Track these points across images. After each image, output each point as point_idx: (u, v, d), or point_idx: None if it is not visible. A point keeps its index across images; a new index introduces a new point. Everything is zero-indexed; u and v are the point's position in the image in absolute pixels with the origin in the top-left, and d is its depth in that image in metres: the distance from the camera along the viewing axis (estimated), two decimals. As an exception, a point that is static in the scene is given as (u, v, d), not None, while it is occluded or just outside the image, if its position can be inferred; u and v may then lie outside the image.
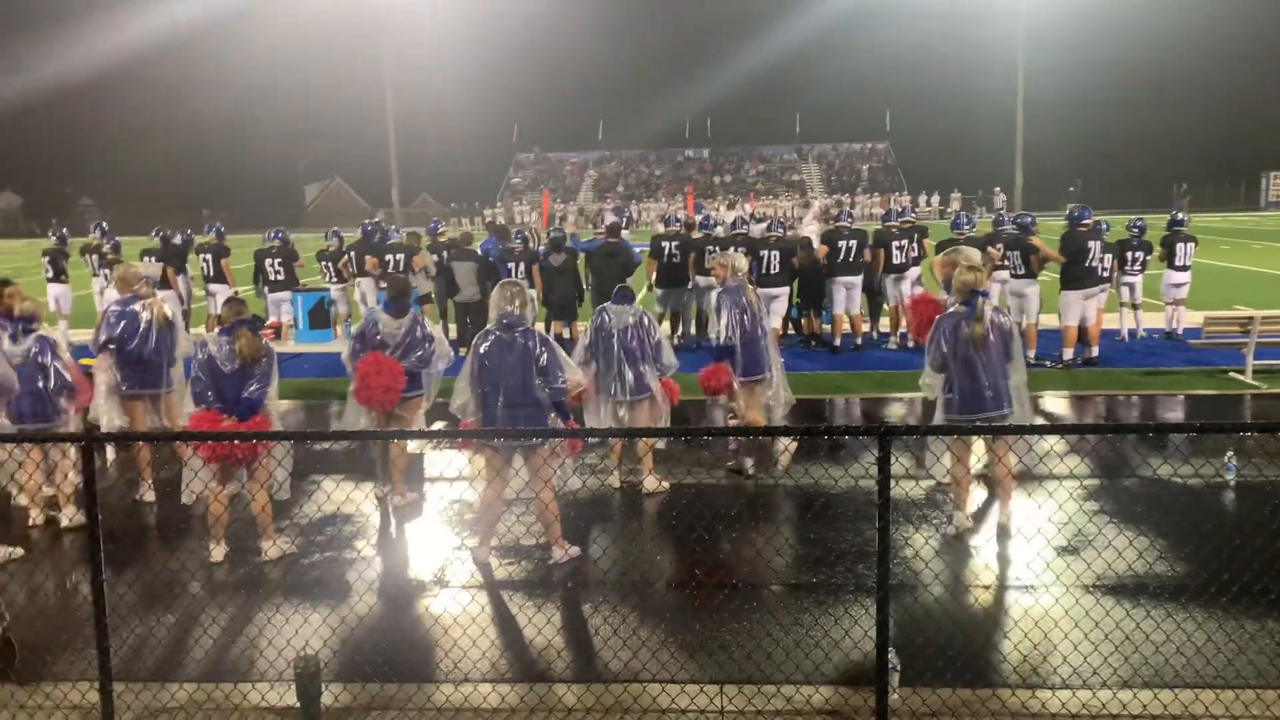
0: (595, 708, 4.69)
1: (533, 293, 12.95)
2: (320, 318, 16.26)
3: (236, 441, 6.25)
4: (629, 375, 7.78)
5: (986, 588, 6.21)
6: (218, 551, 6.69)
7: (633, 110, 78.04)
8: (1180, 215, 14.97)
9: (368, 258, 15.24)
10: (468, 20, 59.76)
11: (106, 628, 4.56)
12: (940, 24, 66.49)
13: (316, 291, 16.38)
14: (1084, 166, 69.35)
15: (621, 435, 7.25)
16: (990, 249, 12.35)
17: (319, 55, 67.92)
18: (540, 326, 8.65)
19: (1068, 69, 64.81)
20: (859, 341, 14.39)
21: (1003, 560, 6.62)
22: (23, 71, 65.05)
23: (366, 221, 17.39)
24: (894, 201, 54.56)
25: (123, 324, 7.84)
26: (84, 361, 7.93)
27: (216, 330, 6.78)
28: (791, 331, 15.14)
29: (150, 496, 8.01)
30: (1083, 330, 12.66)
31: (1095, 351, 12.76)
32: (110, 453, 9.36)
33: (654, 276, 14.85)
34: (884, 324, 15.23)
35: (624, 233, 15.68)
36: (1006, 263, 12.93)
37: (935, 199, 61.78)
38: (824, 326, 14.66)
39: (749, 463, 8.42)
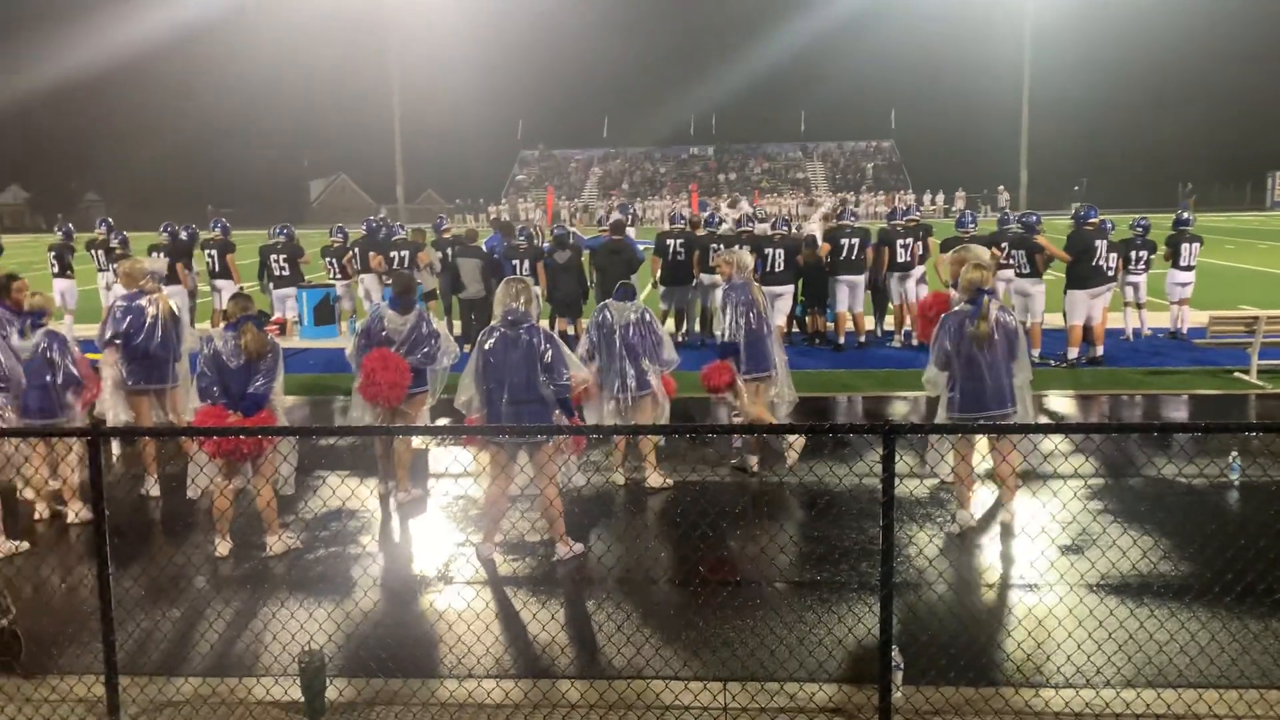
0: (599, 704, 4.69)
1: (537, 290, 12.95)
2: (325, 313, 16.29)
3: (242, 437, 6.27)
4: (631, 372, 7.79)
5: (990, 586, 6.22)
6: (223, 546, 6.71)
7: (638, 107, 78.09)
8: (1185, 215, 14.95)
9: (372, 254, 15.26)
10: (473, 17, 59.77)
11: (112, 621, 4.58)
12: (946, 23, 66.44)
13: (322, 287, 16.42)
14: (1089, 165, 69.22)
15: (626, 432, 7.26)
16: (993, 249, 12.34)
17: (325, 52, 68.00)
18: (544, 324, 8.65)
19: (1073, 68, 64.69)
20: (862, 339, 14.39)
21: (1006, 559, 6.62)
22: (29, 67, 65.18)
23: (371, 218, 17.40)
24: (899, 200, 54.50)
25: (129, 319, 7.86)
26: (90, 357, 7.95)
27: (222, 326, 6.79)
28: (796, 329, 15.14)
29: (156, 491, 8.03)
30: (1088, 329, 12.66)
31: (1100, 351, 12.75)
32: (116, 448, 9.38)
33: (659, 274, 14.86)
34: (888, 322, 15.23)
35: (629, 230, 15.68)
36: (1011, 261, 12.92)
37: (940, 197, 61.75)
38: (828, 324, 14.66)
39: (753, 460, 8.43)
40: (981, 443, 7.45)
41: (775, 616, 5.65)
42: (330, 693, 4.78)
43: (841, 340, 14.16)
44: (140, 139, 73.55)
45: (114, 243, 16.02)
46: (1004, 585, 6.23)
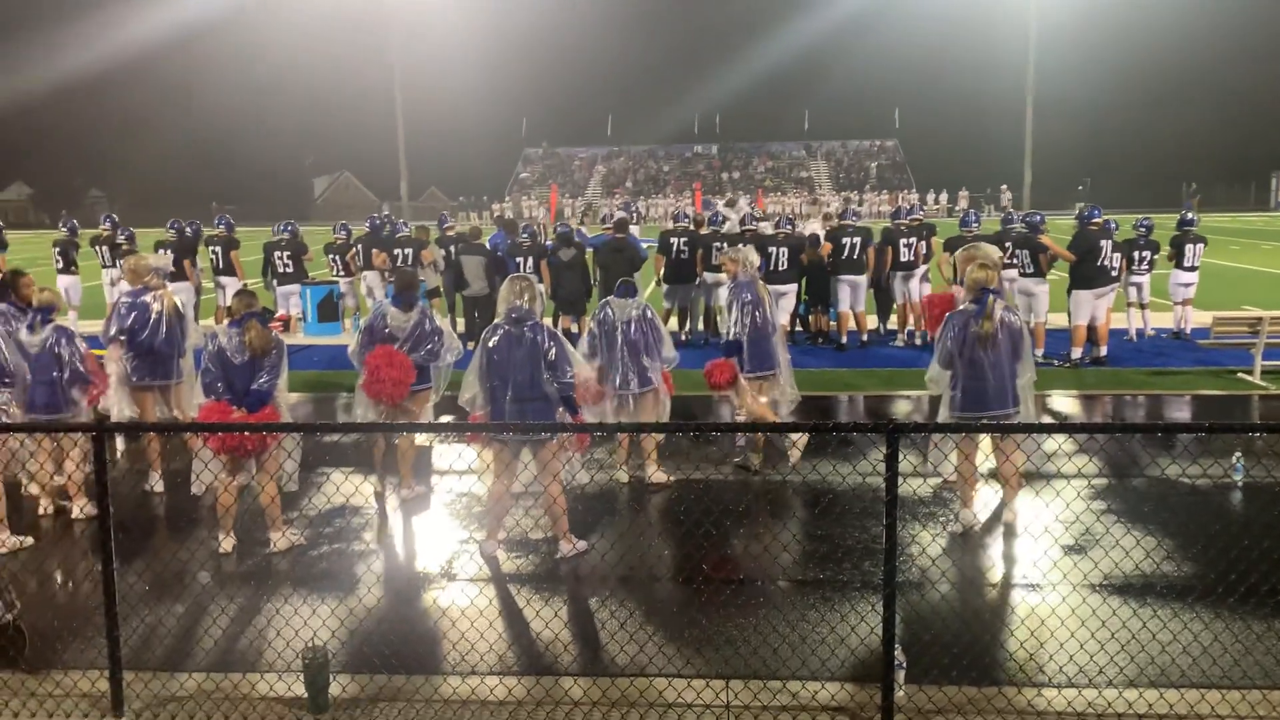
0: (601, 701, 4.70)
1: (541, 288, 12.95)
2: (329, 310, 16.32)
3: (246, 433, 6.28)
4: (633, 369, 7.80)
5: (993, 586, 6.22)
6: (227, 542, 6.72)
7: (642, 106, 78.11)
8: (1190, 215, 14.93)
9: (375, 251, 15.28)
10: (477, 14, 59.81)
11: (116, 617, 4.59)
12: (950, 22, 66.39)
13: (326, 284, 16.44)
14: (1092, 165, 69.19)
15: (630, 430, 7.26)
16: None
17: (328, 49, 68.04)
18: (548, 321, 8.66)
19: (1077, 67, 64.59)
20: (864, 338, 14.38)
21: (1009, 558, 6.63)
22: (33, 64, 65.22)
23: (375, 215, 17.41)
24: (902, 199, 54.48)
25: (133, 315, 7.87)
26: (95, 353, 7.97)
27: (227, 322, 6.80)
28: (799, 328, 15.14)
29: (160, 487, 8.05)
30: (1091, 329, 12.65)
31: (1104, 351, 12.74)
32: (120, 443, 9.40)
33: (662, 272, 14.87)
34: (892, 321, 15.22)
35: (632, 229, 15.68)
36: (1015, 261, 12.92)
37: (943, 197, 61.73)
38: (831, 324, 14.66)
39: (756, 458, 8.43)
40: (985, 442, 7.45)
41: (778, 615, 5.66)
42: (334, 689, 4.79)
43: (844, 340, 14.16)
44: (144, 136, 73.62)
45: (120, 239, 16.05)
46: (1007, 585, 6.23)
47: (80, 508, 7.41)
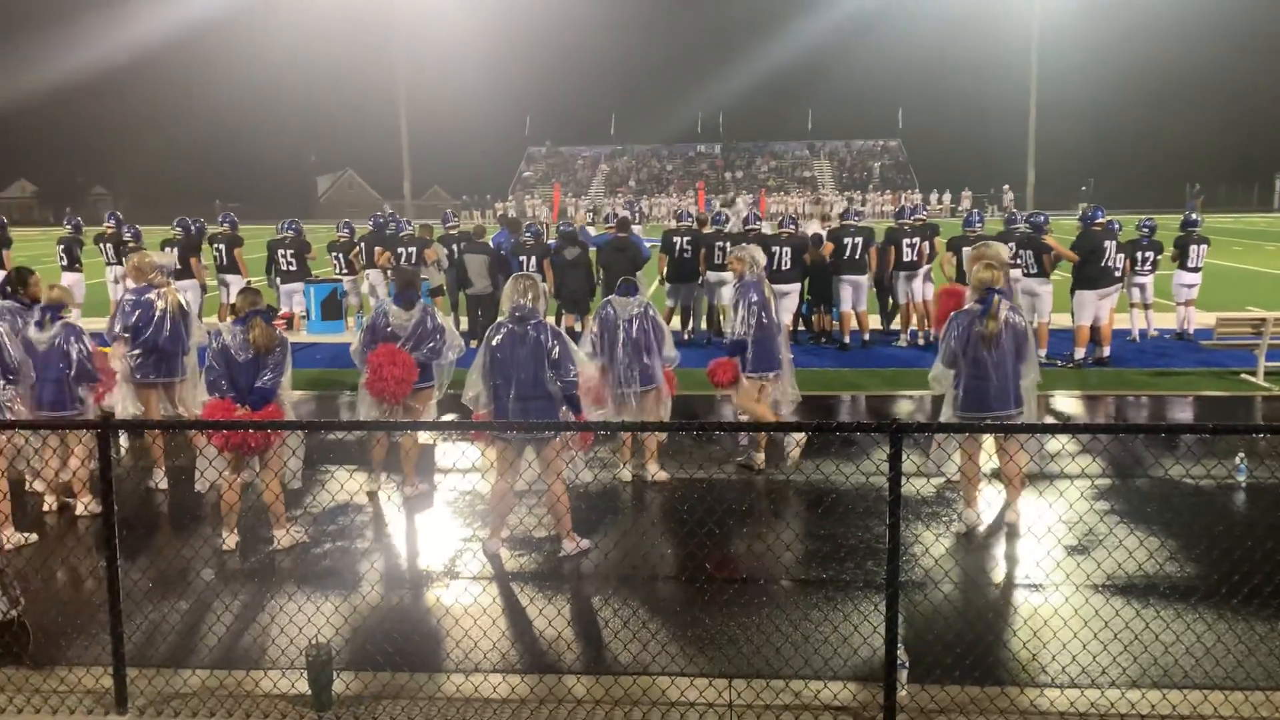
0: (604, 700, 4.71)
1: (545, 286, 12.97)
2: (333, 308, 16.34)
3: (250, 430, 6.28)
4: (635, 367, 7.80)
5: (996, 585, 6.22)
6: (230, 539, 6.73)
7: (645, 105, 78.12)
8: (1194, 216, 14.91)
9: (378, 250, 15.29)
10: (481, 13, 59.79)
11: (120, 614, 4.61)
12: (954, 22, 66.32)
13: (330, 282, 16.45)
14: (1096, 166, 69.10)
15: (634, 429, 7.26)
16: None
17: (332, 47, 68.06)
18: (550, 319, 8.66)
19: (1080, 68, 64.53)
20: (866, 338, 14.38)
21: (1012, 558, 6.63)
22: (36, 62, 65.29)
23: (378, 214, 17.42)
24: (905, 199, 54.43)
25: (137, 313, 7.89)
26: (101, 350, 7.98)
27: (231, 320, 6.81)
28: (802, 328, 15.14)
29: (164, 484, 8.06)
30: (1095, 330, 12.64)
31: (1107, 351, 12.73)
32: (124, 440, 9.42)
33: (665, 271, 14.87)
34: (895, 321, 15.22)
35: (635, 228, 15.68)
36: (1018, 261, 12.90)
37: (947, 197, 61.68)
38: (834, 323, 14.65)
39: (759, 458, 8.43)
40: (988, 442, 7.45)
41: (781, 614, 5.66)
42: (337, 686, 4.80)
43: (846, 340, 14.15)
44: (148, 134, 73.73)
45: (126, 236, 16.06)
46: (1009, 585, 6.23)
47: (84, 504, 7.42)
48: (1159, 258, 14.40)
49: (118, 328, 7.90)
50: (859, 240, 13.93)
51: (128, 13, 60.72)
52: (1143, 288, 14.28)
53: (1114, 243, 12.52)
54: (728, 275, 13.76)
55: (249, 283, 14.67)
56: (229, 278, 15.69)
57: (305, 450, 6.91)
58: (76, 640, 5.40)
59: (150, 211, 48.46)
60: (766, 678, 4.87)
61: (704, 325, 15.30)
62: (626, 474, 8.21)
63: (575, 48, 76.20)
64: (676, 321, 15.08)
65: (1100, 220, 12.65)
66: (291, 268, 15.81)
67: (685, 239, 14.65)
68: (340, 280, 16.34)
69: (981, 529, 6.95)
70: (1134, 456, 8.71)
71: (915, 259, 14.20)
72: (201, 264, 15.42)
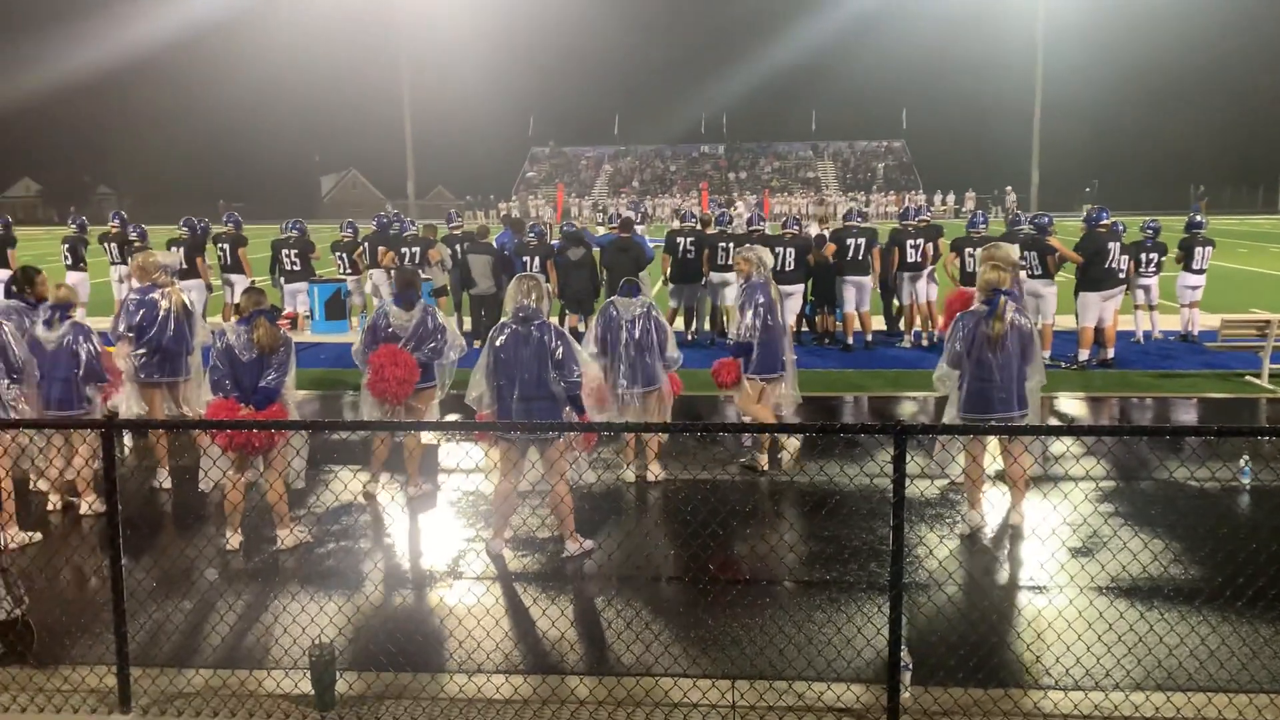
0: (607, 701, 4.70)
1: (548, 286, 12.98)
2: (336, 308, 16.36)
3: (253, 430, 6.29)
4: (639, 367, 7.79)
5: (1000, 587, 6.21)
6: (234, 539, 6.73)
7: (649, 105, 78.13)
8: (1199, 218, 14.89)
9: (382, 249, 15.30)
10: (485, 13, 59.78)
11: (124, 613, 4.61)
12: (957, 23, 66.25)
13: (334, 282, 16.47)
14: (1100, 167, 69.03)
15: (637, 430, 7.25)
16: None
17: (336, 47, 68.12)
18: (554, 320, 8.66)
19: (1085, 69, 64.45)
20: (869, 339, 14.37)
21: (1016, 560, 6.62)
22: (41, 61, 65.43)
23: (382, 214, 17.43)
24: (909, 200, 54.41)
25: (141, 312, 7.91)
26: (106, 350, 7.99)
27: (235, 319, 6.82)
28: (805, 329, 15.13)
29: (167, 484, 8.07)
30: (1099, 331, 12.62)
31: (1111, 353, 12.71)
32: (128, 440, 9.43)
33: (668, 272, 14.87)
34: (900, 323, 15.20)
35: (639, 228, 15.69)
36: (1023, 263, 12.88)
37: (950, 198, 61.63)
38: (837, 324, 14.65)
39: (763, 459, 8.42)
40: (992, 444, 7.44)
41: (784, 615, 5.66)
42: (340, 686, 4.80)
43: (850, 341, 14.15)
44: (153, 133, 73.83)
45: (133, 235, 16.09)
46: (1013, 587, 6.23)
47: (88, 504, 7.43)
48: (1164, 259, 14.38)
49: (122, 327, 7.92)
50: (862, 241, 13.91)
51: (132, 12, 60.83)
52: (1148, 289, 14.26)
53: (1118, 244, 12.50)
54: (731, 276, 13.80)
55: (253, 282, 14.69)
56: (233, 277, 15.72)
57: (309, 450, 6.92)
58: (80, 639, 5.40)
59: (155, 211, 48.53)
60: (769, 679, 4.86)
61: (707, 326, 15.29)
62: (630, 475, 8.21)
63: (579, 48, 76.29)
64: (680, 322, 15.08)
65: (1105, 222, 12.64)
66: (295, 267, 15.83)
67: (689, 239, 14.65)
68: (344, 280, 16.36)
69: (985, 531, 6.94)
70: (1138, 458, 8.69)
71: (919, 260, 14.19)
72: (206, 264, 15.44)
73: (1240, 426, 9.92)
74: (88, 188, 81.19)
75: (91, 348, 7.17)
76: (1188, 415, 10.73)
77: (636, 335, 7.80)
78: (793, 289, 13.71)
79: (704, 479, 8.22)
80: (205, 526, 7.26)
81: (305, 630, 5.12)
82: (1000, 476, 7.51)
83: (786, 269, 13.60)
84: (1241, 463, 7.89)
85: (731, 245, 14.01)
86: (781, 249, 13.61)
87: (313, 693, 4.71)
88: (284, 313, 15.32)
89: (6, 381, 6.70)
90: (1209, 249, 14.46)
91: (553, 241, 15.01)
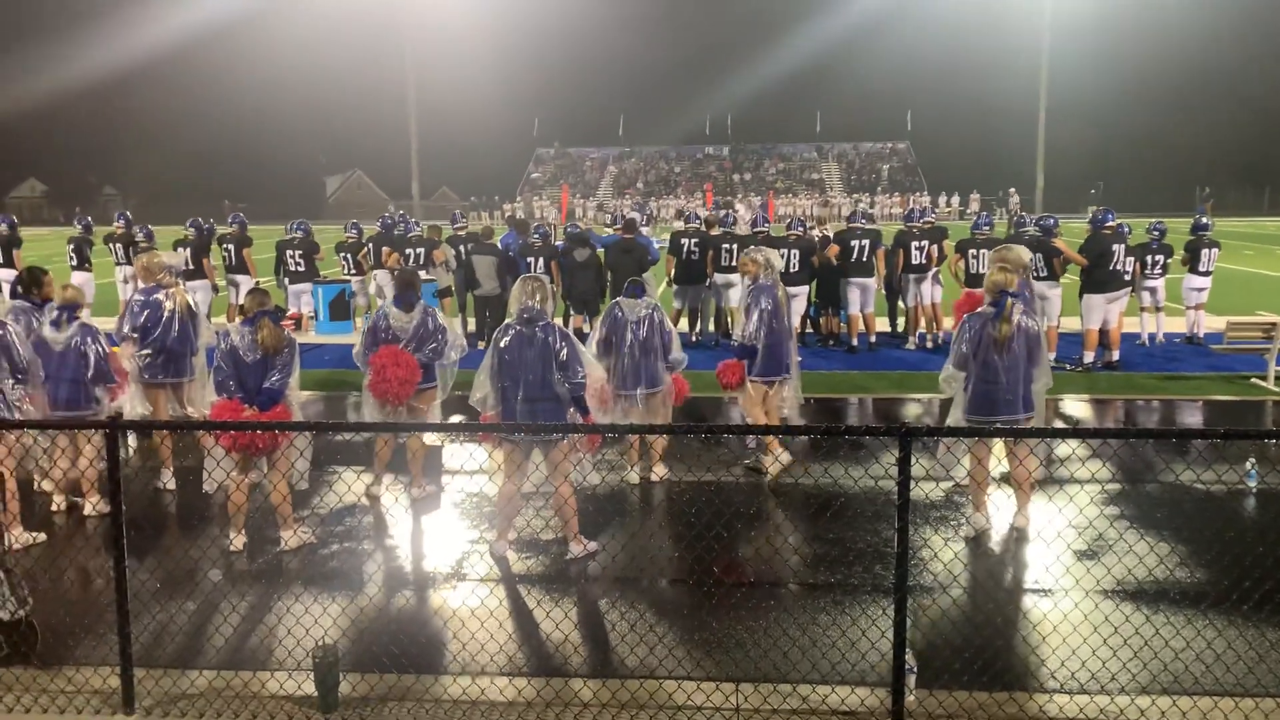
0: (610, 703, 4.69)
1: (553, 288, 12.97)
2: (341, 309, 16.37)
3: (257, 431, 6.29)
4: (643, 368, 7.77)
5: (1004, 590, 6.19)
6: (238, 540, 6.73)
7: (654, 107, 78.17)
8: (1204, 220, 14.86)
9: (386, 250, 15.31)
10: (490, 14, 59.83)
11: (128, 614, 4.61)
12: (963, 25, 66.19)
13: (338, 283, 16.48)
14: (1105, 169, 68.92)
15: (642, 431, 7.25)
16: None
17: (341, 48, 68.26)
18: (559, 321, 8.65)
19: (1090, 71, 64.39)
20: (873, 340, 14.34)
21: (1021, 563, 6.60)
22: (48, 63, 65.59)
23: (386, 214, 17.44)
24: (914, 202, 54.36)
25: (146, 313, 7.91)
26: (110, 350, 8.00)
27: (239, 320, 6.82)
28: (810, 330, 15.12)
29: (171, 484, 8.07)
30: (1103, 334, 12.60)
31: (1116, 355, 12.69)
32: (132, 440, 9.43)
33: (672, 273, 14.86)
34: (903, 324, 15.18)
35: (643, 229, 15.68)
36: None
37: (955, 200, 61.56)
38: (842, 326, 14.64)
39: (768, 461, 8.40)
40: (997, 446, 7.42)
41: (788, 618, 5.65)
42: (343, 687, 4.79)
43: (855, 342, 14.13)
44: (158, 134, 74.02)
45: (139, 236, 16.12)
46: (1018, 590, 6.21)
47: (92, 504, 7.43)
48: (1169, 261, 14.35)
49: (126, 328, 7.93)
50: (866, 243, 13.90)
51: (139, 14, 60.98)
52: (1154, 291, 14.23)
53: (1123, 246, 12.47)
54: (735, 277, 13.79)
55: (257, 283, 14.70)
56: (238, 278, 15.74)
57: (313, 451, 6.92)
58: (84, 640, 5.40)
59: (160, 211, 48.56)
60: (774, 682, 4.85)
61: (711, 327, 15.28)
62: (634, 476, 8.20)
63: (584, 49, 76.38)
64: (684, 323, 15.07)
65: (1110, 224, 12.62)
66: (300, 268, 15.84)
67: (693, 240, 14.64)
68: (348, 281, 16.37)
69: (990, 533, 6.92)
70: (1144, 461, 8.67)
71: (924, 262, 14.16)
72: (212, 264, 15.47)
73: (1246, 429, 9.84)
74: (93, 188, 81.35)
75: (100, 349, 7.19)
76: (1193, 418, 10.70)
77: (641, 336, 7.79)
78: (797, 291, 13.69)
79: (708, 481, 8.21)
80: (209, 527, 7.26)
81: (309, 632, 5.12)
82: (1005, 479, 7.49)
83: (791, 270, 13.58)
84: (1248, 465, 7.87)
85: (735, 246, 14.00)
86: (786, 250, 13.60)
87: (316, 694, 4.71)
88: (288, 314, 15.36)
89: (11, 382, 6.71)
90: (1215, 251, 14.42)
91: (557, 243, 15.00)
